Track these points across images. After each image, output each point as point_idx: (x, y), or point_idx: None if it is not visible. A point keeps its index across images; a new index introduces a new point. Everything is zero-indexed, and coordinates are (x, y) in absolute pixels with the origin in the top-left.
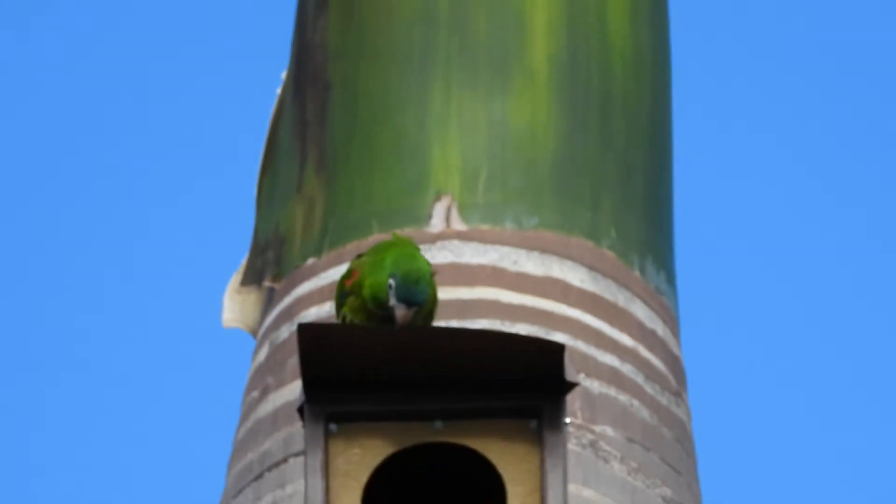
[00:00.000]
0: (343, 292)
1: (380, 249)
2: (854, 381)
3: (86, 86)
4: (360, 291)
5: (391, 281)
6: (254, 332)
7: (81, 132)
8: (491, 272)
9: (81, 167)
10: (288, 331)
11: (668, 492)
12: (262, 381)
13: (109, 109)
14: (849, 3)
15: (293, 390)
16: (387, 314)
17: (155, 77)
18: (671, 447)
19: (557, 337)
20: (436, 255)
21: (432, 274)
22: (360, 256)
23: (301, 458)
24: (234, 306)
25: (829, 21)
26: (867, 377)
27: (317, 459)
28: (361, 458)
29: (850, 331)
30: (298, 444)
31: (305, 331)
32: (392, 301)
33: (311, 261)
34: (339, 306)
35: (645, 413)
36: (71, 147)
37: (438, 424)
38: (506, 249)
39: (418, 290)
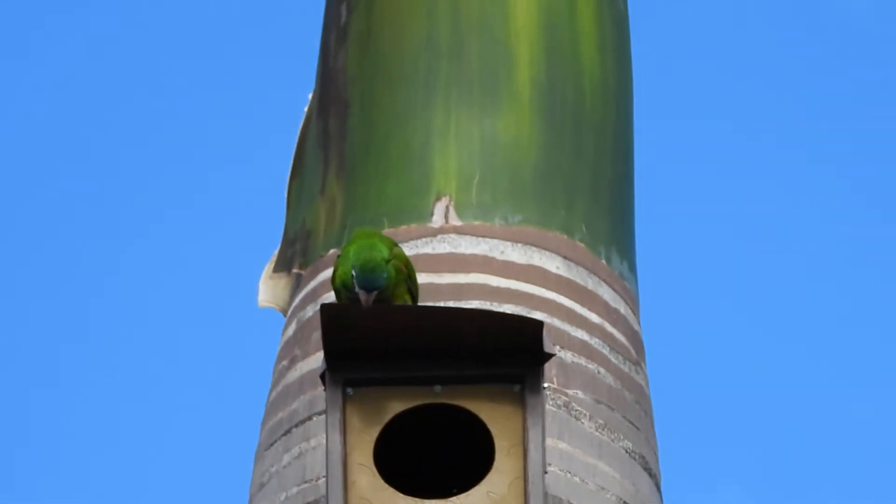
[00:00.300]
0: (336, 288)
1: (348, 243)
2: (784, 348)
3: (153, 109)
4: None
5: (353, 271)
6: (284, 312)
7: (151, 147)
8: (482, 261)
9: (150, 175)
10: (312, 310)
11: (629, 444)
12: (291, 352)
13: (172, 130)
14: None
15: (317, 360)
16: (355, 297)
17: (203, 103)
18: (632, 407)
19: (537, 315)
20: (436, 246)
21: (389, 260)
22: (339, 256)
23: (323, 417)
24: (268, 290)
25: (767, 37)
26: (797, 343)
27: (336, 418)
28: (373, 416)
29: (778, 307)
30: (320, 405)
31: (327, 310)
32: (356, 288)
33: (332, 251)
34: (337, 297)
35: (610, 379)
36: (143, 158)
37: (438, 388)
38: (494, 242)
39: (375, 277)
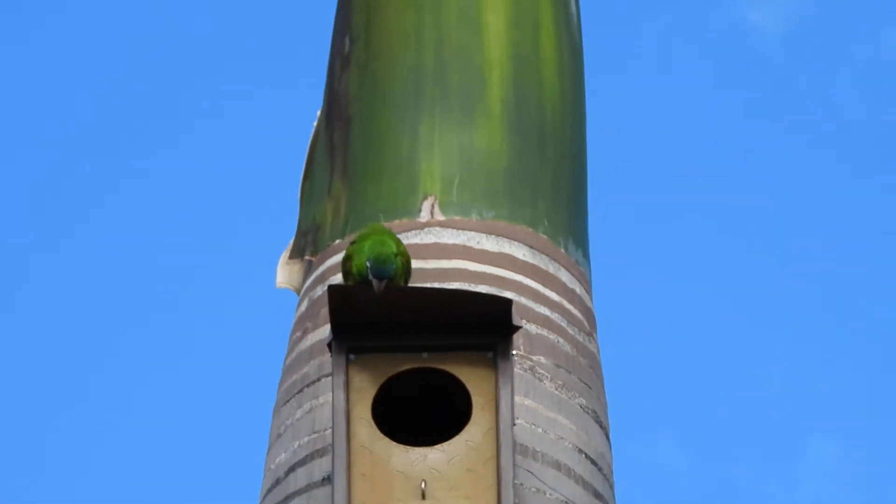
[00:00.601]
0: (347, 271)
1: (362, 238)
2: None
3: (200, 128)
4: (351, 270)
5: (368, 263)
6: (297, 291)
7: (197, 158)
8: (462, 249)
9: (192, 181)
10: (321, 290)
11: (583, 401)
12: (303, 325)
13: (212, 144)
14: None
15: (325, 331)
16: (369, 284)
17: (235, 120)
18: (586, 371)
19: (507, 294)
20: (423, 237)
21: (397, 254)
22: (353, 242)
23: (330, 378)
24: (284, 273)
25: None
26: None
27: (340, 379)
28: (371, 378)
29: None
30: (327, 369)
31: (333, 290)
32: (370, 277)
33: (337, 241)
34: (345, 278)
35: (567, 347)
36: (189, 167)
37: (425, 355)
38: (472, 233)
39: (386, 268)
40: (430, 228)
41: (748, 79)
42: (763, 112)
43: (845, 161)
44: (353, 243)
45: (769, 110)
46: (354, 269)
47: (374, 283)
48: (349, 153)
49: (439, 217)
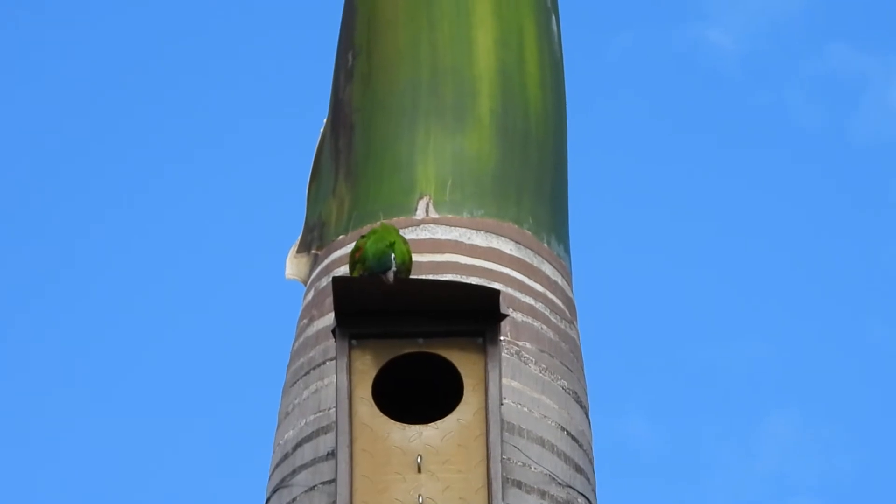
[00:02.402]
0: (354, 262)
1: (380, 238)
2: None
3: (214, 136)
4: (365, 263)
5: (371, 264)
6: (305, 283)
7: (210, 160)
8: (454, 244)
9: (211, 181)
10: (326, 281)
11: (565, 383)
12: (310, 313)
13: (231, 155)
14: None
15: (329, 318)
16: (381, 273)
17: (252, 133)
18: (567, 355)
19: (495, 285)
20: (419, 233)
21: (393, 243)
22: (363, 237)
23: (334, 362)
24: (293, 266)
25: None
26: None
27: (343, 362)
28: (372, 361)
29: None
30: (332, 353)
31: (337, 281)
32: (390, 270)
33: (340, 237)
34: (351, 269)
35: (550, 333)
36: (204, 166)
37: (420, 340)
38: (463, 230)
39: (383, 260)
40: (426, 225)
41: (708, 89)
42: (723, 118)
43: (794, 162)
44: (363, 237)
45: (728, 116)
46: (364, 266)
47: (384, 277)
48: (352, 157)
49: (433, 215)
